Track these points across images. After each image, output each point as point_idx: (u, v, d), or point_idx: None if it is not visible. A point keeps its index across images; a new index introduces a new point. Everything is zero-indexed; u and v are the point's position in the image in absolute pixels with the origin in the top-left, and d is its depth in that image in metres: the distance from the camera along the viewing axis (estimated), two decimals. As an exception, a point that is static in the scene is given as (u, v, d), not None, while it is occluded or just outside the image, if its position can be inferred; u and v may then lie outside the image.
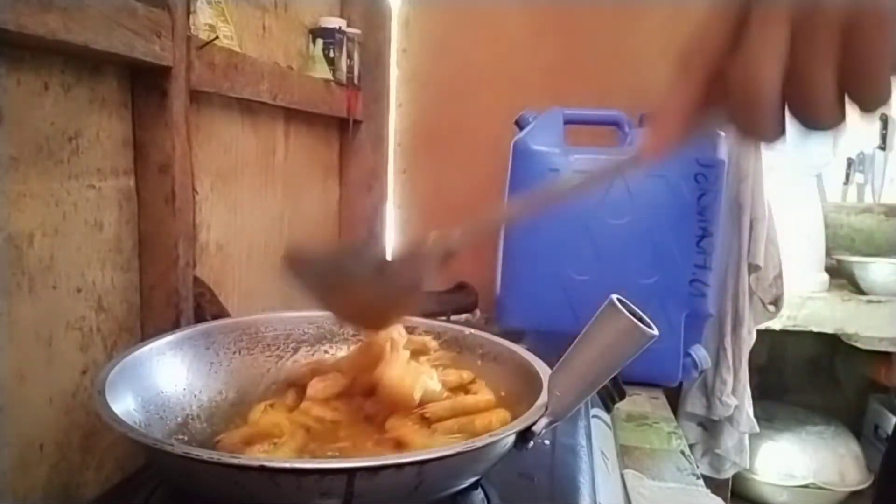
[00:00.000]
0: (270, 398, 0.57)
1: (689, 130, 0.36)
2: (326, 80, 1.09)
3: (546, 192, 0.41)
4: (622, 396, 0.83)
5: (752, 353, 1.24)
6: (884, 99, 0.31)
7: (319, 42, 1.09)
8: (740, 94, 0.32)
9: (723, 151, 1.00)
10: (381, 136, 1.35)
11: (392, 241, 1.46)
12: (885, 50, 0.29)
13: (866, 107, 0.31)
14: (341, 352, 0.65)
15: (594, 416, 0.74)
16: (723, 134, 0.91)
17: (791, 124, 0.33)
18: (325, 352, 0.65)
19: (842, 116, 0.32)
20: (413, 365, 0.57)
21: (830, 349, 1.77)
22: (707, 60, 0.34)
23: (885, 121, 1.72)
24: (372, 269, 0.48)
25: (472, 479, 0.46)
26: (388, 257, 0.48)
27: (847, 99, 0.31)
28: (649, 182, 1.00)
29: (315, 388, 0.56)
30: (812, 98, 0.31)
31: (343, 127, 1.25)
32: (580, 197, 0.41)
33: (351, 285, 0.48)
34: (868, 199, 1.77)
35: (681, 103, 0.36)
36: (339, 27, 1.11)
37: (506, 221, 0.44)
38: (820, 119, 0.32)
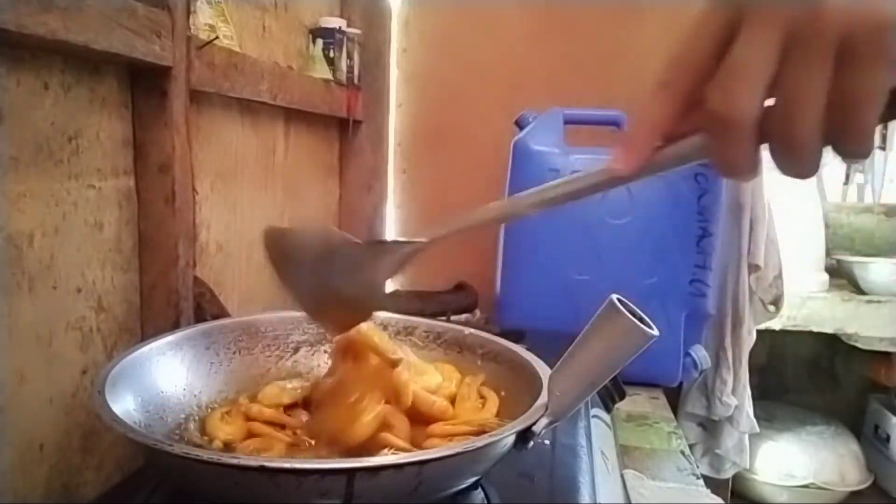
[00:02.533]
0: (224, 405, 0.57)
1: (660, 153, 0.33)
2: (326, 80, 1.09)
3: (531, 195, 0.40)
4: (622, 396, 0.83)
5: (752, 353, 1.23)
6: (867, 149, 0.29)
7: (319, 42, 1.09)
8: (717, 113, 0.29)
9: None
10: (381, 136, 1.35)
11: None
12: (878, 81, 0.27)
13: (848, 153, 0.29)
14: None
15: (594, 416, 0.74)
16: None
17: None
18: (325, 352, 0.65)
19: (817, 165, 0.30)
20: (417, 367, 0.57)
21: (830, 349, 1.77)
22: (689, 73, 0.31)
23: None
24: (342, 255, 0.46)
25: (472, 480, 0.46)
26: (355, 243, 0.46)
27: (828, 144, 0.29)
28: (649, 182, 1.00)
29: (266, 394, 0.57)
30: (794, 135, 0.29)
31: (343, 127, 1.24)
32: (562, 205, 0.39)
33: (321, 273, 0.47)
34: (868, 199, 1.77)
35: (654, 120, 0.33)
36: (339, 27, 1.11)
37: (485, 223, 0.43)
38: (797, 161, 0.30)
